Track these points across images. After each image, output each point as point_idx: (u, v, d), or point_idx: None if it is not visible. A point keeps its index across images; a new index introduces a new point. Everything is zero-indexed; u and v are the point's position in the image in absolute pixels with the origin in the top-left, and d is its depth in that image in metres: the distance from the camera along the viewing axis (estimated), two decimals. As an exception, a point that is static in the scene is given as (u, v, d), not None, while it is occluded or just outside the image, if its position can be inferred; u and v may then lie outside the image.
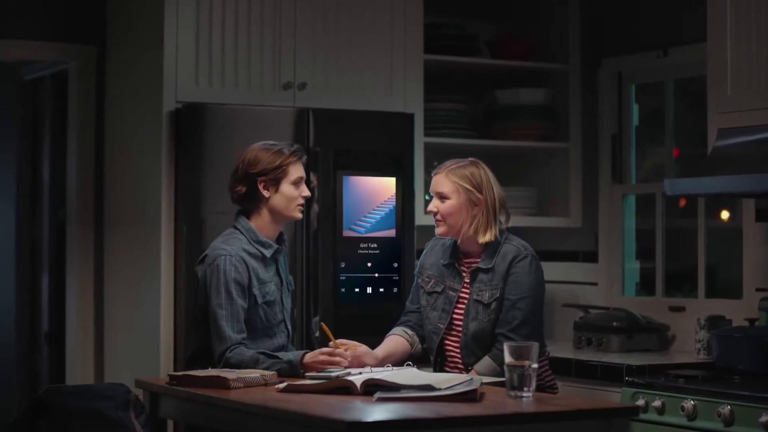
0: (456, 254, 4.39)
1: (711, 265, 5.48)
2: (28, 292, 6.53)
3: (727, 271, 5.47)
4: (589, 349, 5.45)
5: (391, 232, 5.36)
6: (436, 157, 5.67)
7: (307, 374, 4.09)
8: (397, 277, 5.34)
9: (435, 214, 4.34)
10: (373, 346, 4.34)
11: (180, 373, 4.13)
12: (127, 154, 5.51)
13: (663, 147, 5.84)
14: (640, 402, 4.63)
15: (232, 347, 4.18)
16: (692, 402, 4.46)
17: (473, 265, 4.33)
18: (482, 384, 3.86)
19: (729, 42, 4.77)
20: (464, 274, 4.36)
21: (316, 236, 5.25)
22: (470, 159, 4.38)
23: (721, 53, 4.80)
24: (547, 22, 6.08)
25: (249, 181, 4.30)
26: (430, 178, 4.37)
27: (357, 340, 4.29)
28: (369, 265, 5.32)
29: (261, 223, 4.34)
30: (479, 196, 4.29)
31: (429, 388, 3.73)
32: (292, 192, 4.33)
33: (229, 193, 4.37)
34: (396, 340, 4.43)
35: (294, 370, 4.14)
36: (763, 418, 4.20)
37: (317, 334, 5.20)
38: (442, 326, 4.35)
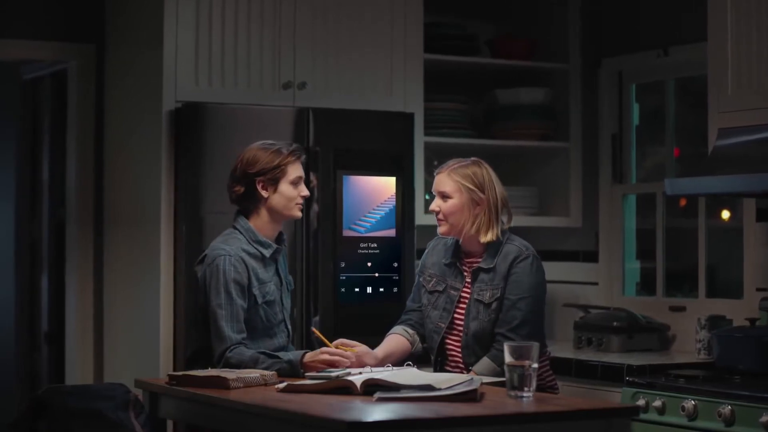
0: (458, 254, 4.38)
1: (711, 265, 5.48)
2: (27, 292, 6.53)
3: (728, 271, 5.46)
4: (589, 349, 5.44)
5: (391, 232, 5.35)
6: (436, 157, 5.67)
7: (307, 374, 4.09)
8: (397, 277, 5.34)
9: (437, 213, 4.33)
10: (373, 346, 4.34)
11: (180, 373, 4.13)
12: (127, 154, 5.50)
13: (663, 146, 5.83)
14: (641, 402, 4.62)
15: (231, 347, 4.17)
16: (693, 402, 4.45)
17: (475, 264, 4.33)
18: (482, 384, 3.86)
19: (729, 41, 4.77)
20: (466, 274, 4.35)
21: (316, 236, 5.24)
22: (473, 158, 4.38)
23: (722, 52, 4.79)
24: (548, 21, 6.08)
25: (247, 180, 4.30)
26: (431, 177, 4.37)
27: (357, 340, 4.29)
28: (369, 264, 5.31)
29: (260, 223, 4.34)
30: (481, 195, 4.29)
31: (429, 388, 3.72)
32: (290, 192, 4.32)
33: (227, 193, 4.36)
34: (396, 339, 4.43)
35: (294, 369, 4.13)
36: (764, 418, 4.19)
37: (313, 336, 5.18)
38: (443, 325, 4.35)
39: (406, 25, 5.59)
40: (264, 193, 4.30)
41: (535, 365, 3.71)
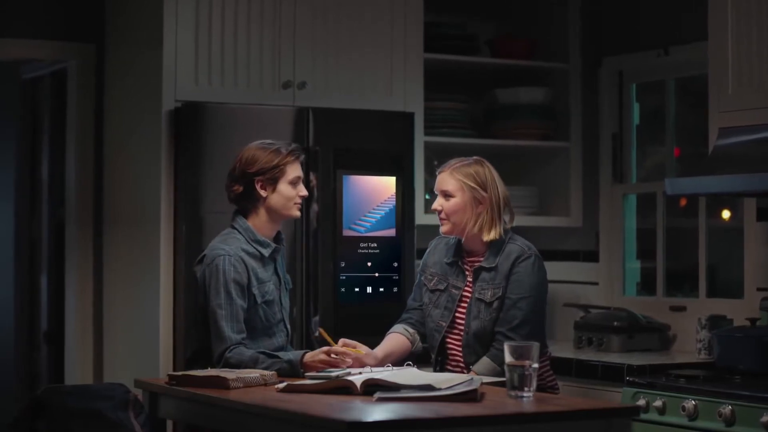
0: (459, 252, 4.38)
1: (712, 265, 5.47)
2: (27, 292, 6.52)
3: (728, 271, 5.46)
4: (589, 348, 5.44)
5: (391, 232, 5.35)
6: (436, 157, 5.66)
7: (307, 374, 4.08)
8: (397, 277, 5.33)
9: (439, 212, 4.33)
10: (373, 346, 4.33)
11: (179, 373, 4.12)
12: (127, 154, 5.50)
13: (664, 146, 5.82)
14: (641, 402, 4.62)
15: (231, 347, 4.17)
16: (693, 402, 4.45)
17: (476, 263, 4.33)
18: (482, 384, 3.85)
19: (730, 41, 4.76)
20: (467, 273, 4.35)
21: (316, 236, 5.24)
22: (475, 157, 4.38)
23: (722, 52, 4.79)
24: (548, 21, 6.07)
25: (246, 180, 4.29)
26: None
27: (357, 340, 4.28)
28: (369, 264, 5.31)
29: (259, 223, 4.33)
30: (484, 194, 4.29)
31: (429, 388, 3.72)
32: (289, 191, 4.31)
33: (226, 192, 4.35)
34: (396, 338, 4.42)
35: (294, 369, 4.12)
36: (765, 418, 4.19)
37: (317, 334, 5.18)
38: (444, 324, 4.34)
39: (406, 25, 5.58)
40: (263, 193, 4.29)
41: (536, 365, 3.70)
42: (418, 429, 3.40)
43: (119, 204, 5.56)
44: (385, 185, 5.36)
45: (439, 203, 4.33)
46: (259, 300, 4.27)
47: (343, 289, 5.26)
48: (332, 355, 4.14)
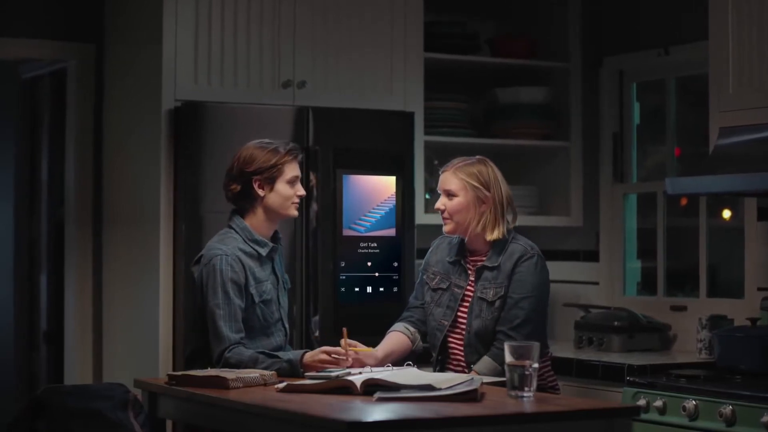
0: (462, 252, 4.38)
1: (712, 265, 5.47)
2: (26, 292, 6.52)
3: (729, 271, 5.45)
4: (590, 348, 5.43)
5: (391, 231, 5.34)
6: (436, 156, 5.66)
7: (306, 374, 4.07)
8: (397, 277, 5.33)
9: (442, 211, 4.32)
10: (373, 346, 4.32)
11: (179, 373, 4.12)
12: (126, 153, 5.49)
13: (664, 146, 5.82)
14: (642, 402, 4.61)
15: (230, 347, 4.16)
16: (694, 402, 4.44)
17: (479, 262, 4.32)
18: (483, 384, 3.84)
19: (730, 40, 4.76)
20: (470, 272, 4.34)
21: (316, 235, 5.23)
22: (478, 157, 4.37)
23: (723, 51, 4.78)
24: (548, 20, 6.07)
25: (244, 179, 4.28)
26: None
27: (357, 340, 4.27)
28: (369, 264, 5.30)
29: (256, 222, 4.32)
30: (487, 193, 4.29)
31: (429, 388, 3.71)
32: (287, 191, 4.30)
33: (223, 191, 4.35)
34: (397, 337, 4.42)
35: (294, 369, 4.12)
36: (765, 418, 4.18)
37: (317, 333, 5.18)
38: (446, 323, 4.34)
39: (406, 24, 5.57)
40: (260, 192, 4.29)
41: (536, 365, 3.70)
42: (418, 429, 3.40)
43: (119, 204, 5.55)
44: (385, 185, 5.35)
45: (442, 202, 4.33)
46: (256, 299, 4.26)
47: (343, 289, 5.25)
48: (332, 355, 4.13)
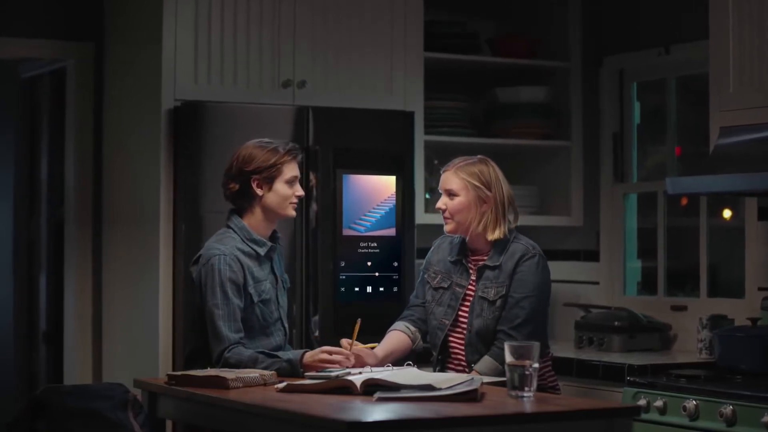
0: (464, 251, 4.37)
1: (713, 264, 5.46)
2: (26, 292, 6.51)
3: (729, 271, 5.45)
4: (590, 348, 5.43)
5: (391, 231, 5.34)
6: (436, 156, 5.65)
7: (306, 374, 4.07)
8: (397, 277, 5.32)
9: (443, 211, 4.32)
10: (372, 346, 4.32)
11: (179, 373, 4.11)
12: (126, 153, 5.49)
13: (665, 145, 5.81)
14: (642, 402, 4.60)
15: (230, 347, 4.15)
16: (694, 402, 4.44)
17: (480, 262, 4.32)
18: (483, 384, 3.84)
19: (731, 39, 4.75)
20: (471, 271, 4.34)
21: (316, 235, 5.22)
22: (479, 156, 4.37)
23: (723, 51, 4.78)
24: (548, 19, 6.06)
25: (243, 178, 4.28)
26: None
27: (357, 340, 4.26)
28: (369, 264, 5.30)
29: (254, 222, 4.32)
30: (488, 193, 4.28)
31: (429, 388, 3.71)
32: (285, 191, 4.30)
33: (222, 190, 4.34)
34: (397, 336, 4.41)
35: (294, 369, 4.11)
36: (766, 418, 4.17)
37: (317, 333, 5.18)
38: (447, 322, 4.33)
39: (406, 23, 5.57)
40: (259, 192, 4.28)
41: (536, 365, 3.69)
42: (418, 429, 3.39)
43: (118, 203, 5.55)
44: (385, 184, 5.34)
45: (443, 202, 4.32)
46: (255, 299, 4.25)
47: (342, 289, 5.24)
48: (333, 355, 4.13)
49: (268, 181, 4.28)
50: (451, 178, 4.32)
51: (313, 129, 5.24)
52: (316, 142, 5.24)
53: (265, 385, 3.98)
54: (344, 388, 3.81)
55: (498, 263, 4.28)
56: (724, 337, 4.83)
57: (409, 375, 3.95)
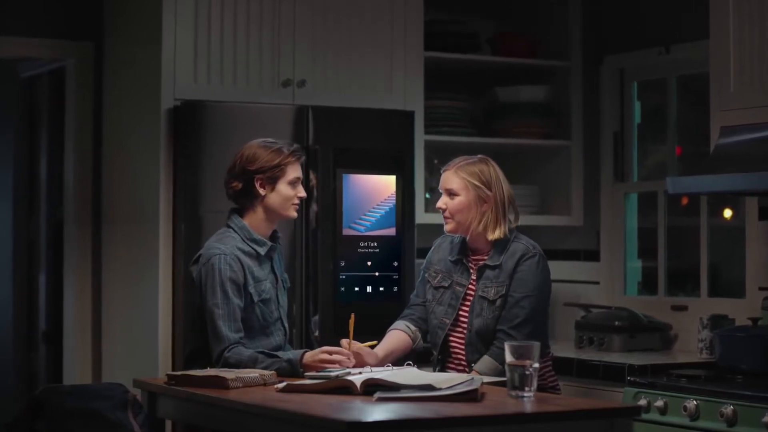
0: (464, 251, 4.37)
1: (714, 264, 5.46)
2: (25, 292, 6.51)
3: (730, 270, 5.44)
4: (590, 348, 5.42)
5: (391, 231, 5.33)
6: (436, 155, 5.65)
7: (306, 374, 4.06)
8: (397, 276, 5.32)
9: (443, 210, 4.32)
10: (372, 346, 4.31)
11: (178, 373, 4.11)
12: (125, 152, 5.48)
13: (665, 145, 5.81)
14: (642, 402, 4.60)
15: (230, 347, 4.15)
16: (695, 402, 4.43)
17: (481, 261, 4.32)
18: (483, 384, 3.83)
19: (731, 39, 4.75)
20: (472, 271, 4.34)
21: (316, 235, 5.22)
22: (479, 156, 4.37)
23: (724, 50, 4.77)
24: (549, 19, 6.06)
25: (245, 177, 4.27)
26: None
27: (357, 340, 4.26)
28: (369, 264, 5.29)
29: (255, 221, 4.31)
30: (488, 193, 4.28)
31: (429, 387, 3.70)
32: (288, 192, 4.29)
33: (224, 188, 4.34)
34: (397, 335, 4.41)
35: (294, 369, 4.11)
36: (766, 418, 4.17)
37: (316, 333, 5.17)
38: (447, 321, 4.33)
39: (406, 23, 5.56)
40: (261, 191, 4.28)
41: (536, 365, 3.69)
42: (418, 429, 3.39)
43: (118, 203, 5.54)
44: (385, 184, 5.34)
45: (443, 202, 4.32)
46: (255, 299, 4.25)
47: (342, 289, 5.24)
48: (333, 355, 4.12)
49: (271, 182, 4.27)
50: (451, 178, 4.32)
51: (313, 128, 5.24)
52: (316, 141, 5.23)
53: (265, 385, 3.98)
54: (344, 388, 3.80)
55: (498, 263, 4.28)
56: (724, 337, 4.82)
57: (409, 375, 3.94)
